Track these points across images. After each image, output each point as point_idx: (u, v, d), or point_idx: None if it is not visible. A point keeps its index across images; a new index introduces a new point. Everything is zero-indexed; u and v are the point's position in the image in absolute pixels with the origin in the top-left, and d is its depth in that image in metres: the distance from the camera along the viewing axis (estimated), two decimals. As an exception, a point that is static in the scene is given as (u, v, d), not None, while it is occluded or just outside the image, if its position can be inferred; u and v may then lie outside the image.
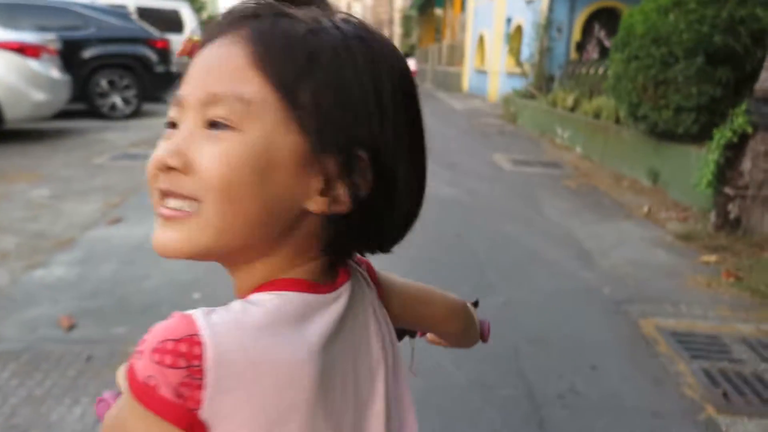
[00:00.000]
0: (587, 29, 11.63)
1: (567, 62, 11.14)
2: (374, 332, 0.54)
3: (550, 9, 11.35)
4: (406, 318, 0.67)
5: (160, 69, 9.24)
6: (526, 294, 2.90)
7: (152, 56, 9.03)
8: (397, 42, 68.83)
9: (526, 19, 12.64)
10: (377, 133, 0.46)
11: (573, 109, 8.57)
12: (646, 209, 4.72)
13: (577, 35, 11.57)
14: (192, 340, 0.39)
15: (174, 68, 9.64)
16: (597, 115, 7.35)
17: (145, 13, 11.46)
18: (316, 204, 0.46)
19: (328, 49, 0.45)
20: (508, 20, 15.34)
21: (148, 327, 0.41)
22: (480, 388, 2.01)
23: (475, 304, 0.88)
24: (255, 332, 0.42)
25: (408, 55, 29.08)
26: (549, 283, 3.05)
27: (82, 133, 7.41)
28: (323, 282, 0.49)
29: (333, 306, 0.48)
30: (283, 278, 0.47)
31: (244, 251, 0.47)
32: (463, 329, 0.75)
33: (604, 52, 10.87)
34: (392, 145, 0.48)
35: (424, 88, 23.52)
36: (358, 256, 0.58)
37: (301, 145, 0.45)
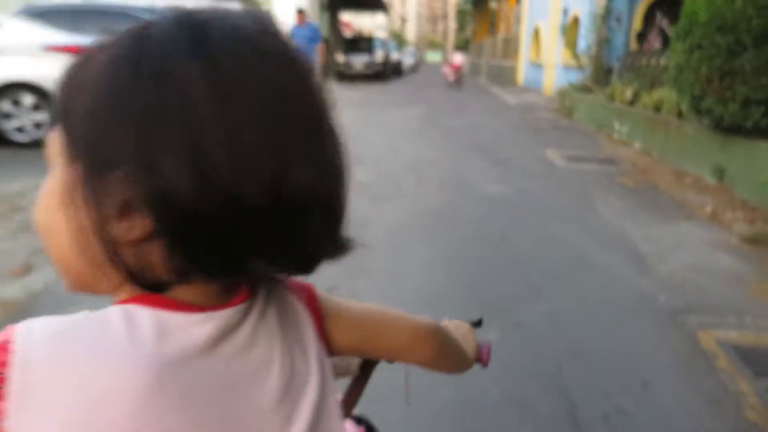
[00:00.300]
0: (649, 18, 11.07)
1: (626, 53, 10.65)
2: (278, 366, 0.46)
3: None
4: (364, 348, 0.61)
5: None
6: (572, 302, 2.74)
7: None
8: (451, 37, 68.24)
9: (584, 10, 12.17)
10: (174, 149, 0.37)
11: (632, 102, 8.17)
12: (709, 209, 4.41)
13: (637, 25, 11.04)
14: (4, 347, 0.37)
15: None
16: (657, 109, 6.97)
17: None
18: (117, 230, 0.39)
19: (101, 65, 0.40)
20: (565, 11, 14.83)
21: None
22: (517, 405, 1.89)
23: (477, 323, 0.80)
24: (76, 343, 0.38)
25: (460, 48, 28.73)
26: (598, 290, 2.87)
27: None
28: (204, 302, 0.43)
29: (196, 328, 0.42)
30: (141, 295, 0.42)
31: (92, 283, 0.44)
32: (434, 356, 0.66)
33: (666, 42, 10.34)
34: (219, 163, 0.38)
35: (479, 83, 23.15)
36: (299, 281, 0.53)
37: (78, 171, 0.40)
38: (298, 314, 0.51)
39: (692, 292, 2.87)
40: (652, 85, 8.33)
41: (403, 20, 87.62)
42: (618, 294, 2.84)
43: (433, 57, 78.50)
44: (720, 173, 5.05)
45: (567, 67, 14.06)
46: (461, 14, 47.85)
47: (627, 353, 2.28)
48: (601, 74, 10.84)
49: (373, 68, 20.46)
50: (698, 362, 2.23)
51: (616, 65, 10.20)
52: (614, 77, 9.91)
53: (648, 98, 7.34)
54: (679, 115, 6.34)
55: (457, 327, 0.76)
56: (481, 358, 0.75)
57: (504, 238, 3.63)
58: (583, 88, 10.86)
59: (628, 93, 8.23)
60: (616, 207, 4.42)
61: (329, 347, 0.55)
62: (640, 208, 4.41)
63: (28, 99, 6.18)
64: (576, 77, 12.04)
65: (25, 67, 6.08)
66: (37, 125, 6.25)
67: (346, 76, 20.73)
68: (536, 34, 18.24)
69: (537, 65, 17.87)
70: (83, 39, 6.49)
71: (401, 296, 2.75)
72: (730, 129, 4.82)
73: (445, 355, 0.68)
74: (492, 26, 31.74)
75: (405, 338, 0.63)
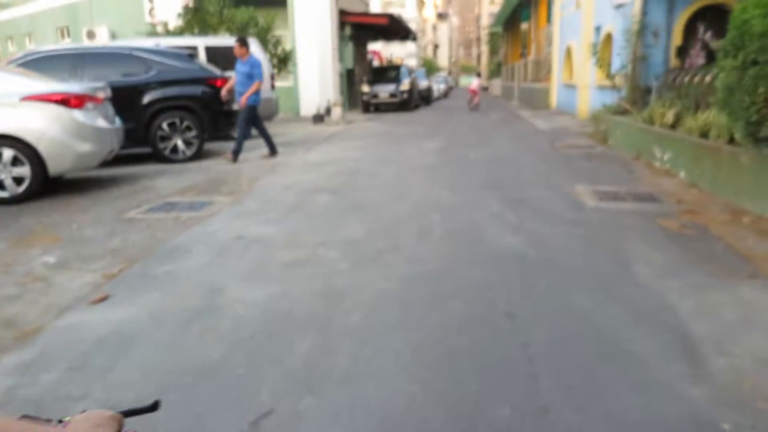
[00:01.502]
0: (689, 32, 10.15)
1: (666, 71, 9.73)
2: None
3: (644, 12, 10.02)
4: None
5: (221, 108, 9.01)
6: (597, 430, 1.95)
7: (212, 96, 8.81)
8: (484, 60, 67.64)
9: (617, 26, 11.33)
10: None
11: (674, 126, 7.26)
12: (778, 262, 3.53)
13: (677, 39, 10.12)
14: None
15: (235, 106, 9.40)
16: (704, 134, 6.07)
17: (214, 52, 11.46)
18: None
19: None
20: (597, 28, 13.99)
21: None
22: None
23: (152, 407, 0.81)
24: None
25: (479, 74, 28.19)
26: (633, 408, 2.06)
27: (135, 180, 7.20)
28: None
29: None
30: None
31: None
32: None
33: (711, 58, 9.37)
34: None
35: (510, 107, 22.34)
36: None
37: None
38: None
39: (769, 407, 2.03)
40: (697, 106, 7.41)
41: (436, 46, 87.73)
42: (660, 414, 2.03)
43: (467, 81, 78.11)
44: (787, 213, 4.14)
45: (601, 88, 13.16)
46: (492, 37, 47.29)
47: None
48: (638, 94, 9.94)
49: (399, 98, 19.95)
50: None
51: (654, 84, 9.29)
52: (653, 98, 9.00)
53: (693, 122, 6.44)
54: (731, 140, 5.43)
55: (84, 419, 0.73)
56: None
57: (511, 317, 2.85)
58: (619, 110, 9.96)
59: (670, 116, 7.33)
60: (657, 263, 3.57)
61: None
62: (688, 264, 3.55)
63: (6, 153, 5.79)
64: (611, 98, 11.14)
65: (2, 119, 5.70)
66: (17, 180, 5.86)
67: (372, 106, 20.29)
68: (568, 54, 17.39)
69: (570, 87, 16.98)
70: (64, 86, 6.12)
71: (356, 424, 2.01)
72: (798, 160, 3.94)
73: None
74: (524, 48, 30.99)
75: None
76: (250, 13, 14.24)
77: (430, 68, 59.34)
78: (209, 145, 9.81)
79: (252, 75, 8.47)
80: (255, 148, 10.02)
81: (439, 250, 3.93)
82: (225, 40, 12.12)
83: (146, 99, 8.45)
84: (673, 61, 10.14)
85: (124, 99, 8.30)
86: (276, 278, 3.48)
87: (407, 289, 3.24)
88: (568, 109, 17.18)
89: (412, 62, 56.84)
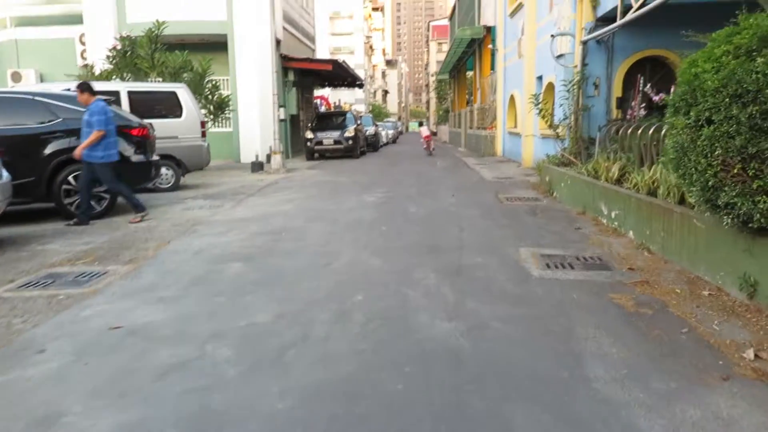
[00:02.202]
0: (629, 83, 10.09)
1: (608, 122, 9.57)
2: None
3: (584, 62, 9.90)
4: None
5: (137, 158, 8.18)
6: None
7: (127, 146, 7.99)
8: (432, 106, 69.57)
9: (558, 76, 11.23)
10: None
11: (620, 181, 6.92)
12: (751, 353, 3.00)
13: (618, 90, 10.03)
14: None
15: (155, 157, 8.59)
16: (653, 192, 5.69)
17: (140, 97, 10.68)
18: None
19: None
20: (539, 78, 13.99)
21: None
22: None
23: None
24: None
25: (421, 123, 28.68)
26: None
27: (25, 243, 6.25)
28: None
29: None
30: None
31: None
32: None
33: (651, 108, 9.26)
34: None
35: (457, 154, 22.22)
36: None
37: None
38: None
39: None
40: (642, 160, 7.12)
41: (385, 92, 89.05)
42: None
43: (416, 126, 79.22)
44: (751, 287, 3.67)
45: (545, 137, 13.01)
46: (440, 84, 48.14)
47: None
48: (582, 145, 9.71)
49: (344, 144, 19.49)
50: None
51: (597, 135, 9.07)
52: (597, 150, 8.75)
53: (639, 178, 6.08)
54: (682, 201, 5.03)
55: None
56: None
57: (434, 456, 2.16)
58: (563, 162, 9.69)
59: (615, 170, 7.00)
60: (614, 359, 2.98)
61: None
62: (651, 360, 2.97)
63: None
64: (555, 148, 10.92)
65: None
66: None
67: (317, 153, 19.72)
68: (512, 102, 17.43)
69: (515, 135, 16.93)
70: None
71: None
72: (762, 230, 3.48)
73: None
74: (469, 96, 31.41)
75: None
76: (183, 56, 13.56)
77: (379, 114, 59.83)
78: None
79: (91, 123, 7.15)
80: (176, 202, 9.18)
81: (357, 345, 3.23)
82: (150, 85, 11.37)
83: (49, 149, 7.55)
84: (615, 112, 10.02)
85: (21, 149, 7.40)
86: (140, 395, 2.69)
87: (306, 412, 2.51)
88: (514, 156, 17.09)
89: (361, 108, 57.20)
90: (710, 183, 3.55)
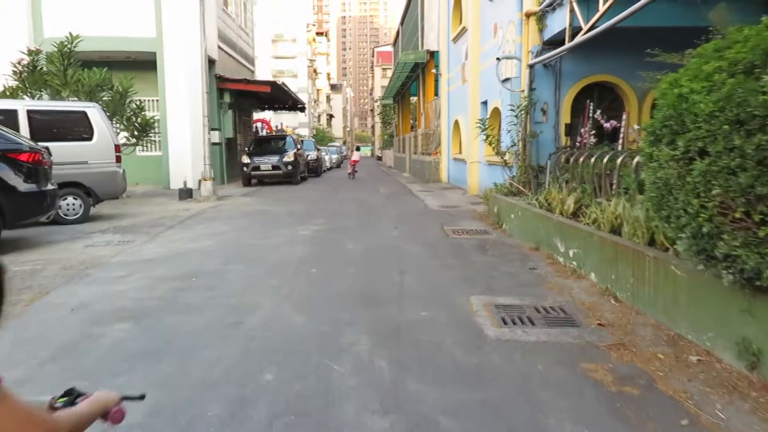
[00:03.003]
0: (577, 108, 9.68)
1: (558, 150, 9.07)
2: None
3: (531, 87, 9.42)
4: None
5: (27, 188, 6.99)
6: None
7: (13, 173, 6.79)
8: (378, 130, 69.42)
9: (504, 101, 10.74)
10: None
11: (576, 214, 6.31)
12: (775, 457, 2.27)
13: (566, 116, 9.59)
14: None
15: (49, 186, 7.40)
16: (616, 230, 5.06)
17: (43, 117, 9.43)
18: None
19: None
20: (484, 103, 13.55)
21: None
22: None
23: (141, 397, 1.29)
24: None
25: (358, 148, 28.57)
26: None
27: None
28: None
29: None
30: None
31: None
32: None
33: (602, 136, 8.82)
34: None
35: (401, 180, 21.61)
36: None
37: None
38: None
39: None
40: (596, 192, 6.56)
41: (330, 116, 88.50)
42: None
43: (363, 151, 78.81)
44: (753, 357, 2.99)
45: (491, 164, 12.50)
46: (384, 109, 47.93)
47: None
48: (531, 174, 9.16)
49: (283, 170, 18.49)
50: None
51: (548, 164, 8.54)
52: (547, 179, 8.19)
53: (599, 213, 5.46)
54: (652, 242, 4.40)
55: (92, 401, 1.14)
56: (108, 418, 1.16)
57: None
58: (512, 191, 9.10)
59: (570, 203, 6.39)
60: (605, 475, 2.19)
61: None
62: (653, 475, 2.19)
63: None
64: (502, 175, 10.37)
65: None
66: None
67: (254, 179, 18.63)
68: (456, 128, 16.99)
69: (460, 161, 16.45)
70: None
71: None
72: (763, 287, 2.81)
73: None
74: (413, 121, 31.11)
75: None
76: (101, 74, 12.32)
77: (323, 138, 59.00)
78: (9, 234, 7.65)
79: None
80: (80, 237, 7.96)
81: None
82: (56, 104, 10.13)
83: None
84: (564, 139, 9.56)
85: None
86: None
87: None
88: (459, 183, 16.58)
89: (304, 132, 56.26)
90: (704, 229, 2.87)
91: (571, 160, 7.88)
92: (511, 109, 9.27)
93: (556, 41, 9.18)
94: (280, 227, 8.94)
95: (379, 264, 6.12)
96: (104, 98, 12.57)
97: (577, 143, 9.03)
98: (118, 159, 10.00)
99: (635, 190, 5.21)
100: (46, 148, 7.57)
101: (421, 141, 22.82)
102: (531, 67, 9.36)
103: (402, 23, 35.21)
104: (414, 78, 26.38)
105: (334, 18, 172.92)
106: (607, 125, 8.16)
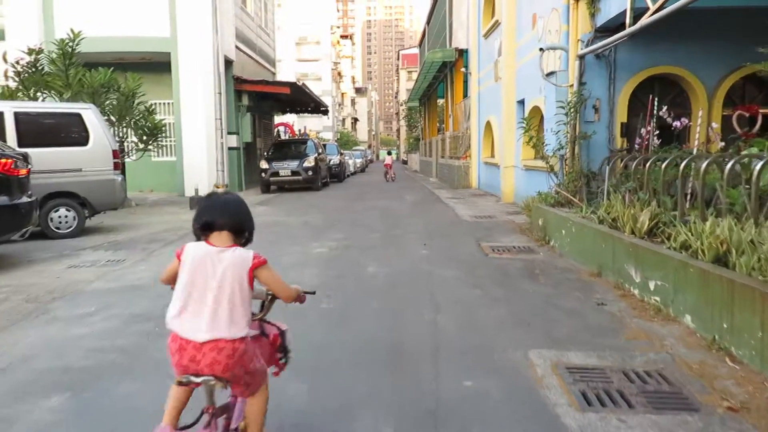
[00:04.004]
0: (634, 105, 8.38)
1: (615, 153, 7.80)
2: (228, 263, 1.90)
3: (581, 81, 8.16)
4: (267, 287, 2.06)
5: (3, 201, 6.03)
6: None
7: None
8: (403, 134, 68.71)
9: (547, 98, 9.49)
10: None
11: (652, 233, 5.07)
12: None
13: (622, 115, 8.30)
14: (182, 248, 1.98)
15: (24, 198, 6.43)
16: (722, 259, 3.82)
17: (32, 119, 8.52)
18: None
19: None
20: (521, 102, 12.30)
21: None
22: None
23: (312, 292, 2.25)
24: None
25: (389, 153, 28.20)
26: None
27: None
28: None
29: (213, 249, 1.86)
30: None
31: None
32: (283, 298, 2.07)
33: (667, 137, 7.52)
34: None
35: (428, 185, 20.42)
36: (255, 253, 1.94)
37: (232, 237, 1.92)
38: (245, 260, 1.92)
39: None
40: (676, 208, 5.28)
41: (355, 120, 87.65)
42: None
43: (386, 155, 77.81)
44: None
45: (529, 169, 11.24)
46: (410, 112, 46.75)
47: None
48: (582, 182, 7.90)
49: (303, 175, 17.46)
50: None
51: (605, 170, 7.27)
52: (606, 188, 6.92)
53: (690, 236, 4.21)
54: (790, 281, 3.14)
55: (294, 286, 2.10)
56: (299, 300, 2.11)
57: None
58: (559, 201, 7.85)
59: (644, 219, 5.13)
60: None
61: (253, 279, 1.95)
62: None
63: None
64: (541, 181, 9.13)
65: None
66: None
67: (273, 185, 17.65)
68: (488, 129, 15.74)
69: (492, 165, 15.19)
70: None
71: None
72: None
73: (286, 298, 2.06)
74: (440, 123, 29.88)
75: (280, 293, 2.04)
76: (105, 73, 11.43)
77: (348, 142, 58.11)
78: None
79: None
80: (67, 254, 6.94)
81: None
82: (47, 105, 9.24)
83: None
84: (619, 141, 8.28)
85: None
86: None
87: None
88: (491, 189, 15.32)
89: (328, 135, 55.45)
90: None
91: (635, 165, 6.61)
92: (561, 107, 8.01)
93: (611, 28, 7.91)
94: (293, 243, 7.84)
95: (407, 296, 4.96)
96: (109, 100, 11.69)
97: (636, 145, 7.74)
98: (117, 166, 9.04)
99: (756, 205, 3.95)
100: (24, 154, 6.62)
101: (449, 144, 21.59)
102: (581, 58, 8.10)
103: (428, 23, 34.05)
104: (441, 78, 25.18)
105: (360, 22, 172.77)
106: (677, 123, 6.87)
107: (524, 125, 8.52)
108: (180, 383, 1.90)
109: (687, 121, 6.92)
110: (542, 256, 6.67)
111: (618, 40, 7.08)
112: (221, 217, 1.94)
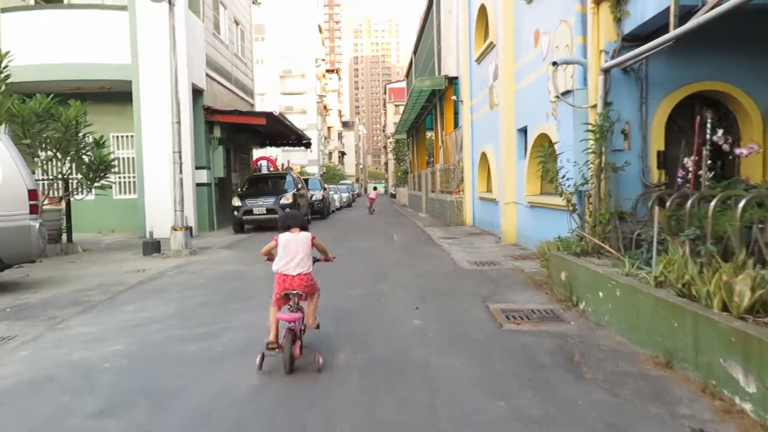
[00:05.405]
0: (671, 129, 6.84)
1: (649, 188, 6.20)
2: (301, 238, 4.24)
3: (606, 101, 6.62)
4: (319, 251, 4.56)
5: None
6: None
7: None
8: (391, 167, 67.58)
9: (562, 123, 7.95)
10: None
11: (755, 310, 3.42)
12: None
13: (658, 141, 6.74)
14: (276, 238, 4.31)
15: None
16: None
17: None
18: None
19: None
20: (522, 130, 10.79)
21: None
22: None
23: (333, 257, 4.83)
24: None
25: (375, 188, 27.13)
26: None
27: None
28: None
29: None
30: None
31: None
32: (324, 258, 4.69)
33: (721, 169, 5.95)
34: None
35: (418, 222, 18.75)
36: (312, 234, 4.36)
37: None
38: (308, 237, 4.26)
39: None
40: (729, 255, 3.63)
41: (342, 153, 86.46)
42: None
43: (378, 188, 76.50)
44: None
45: (534, 206, 9.65)
46: (398, 145, 45.50)
47: None
48: (614, 223, 6.27)
49: (279, 214, 15.70)
50: None
51: (640, 207, 5.64)
52: (654, 232, 5.26)
53: None
54: None
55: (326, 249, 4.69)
56: (330, 260, 4.77)
57: None
58: (585, 250, 6.20)
59: (742, 290, 3.46)
60: None
61: (312, 246, 4.32)
62: None
63: None
64: (553, 221, 7.50)
65: None
66: None
67: (246, 224, 15.91)
68: (483, 160, 14.22)
69: (489, 201, 13.61)
70: None
71: None
72: None
73: (325, 257, 4.68)
74: (429, 156, 28.47)
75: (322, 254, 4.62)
76: (40, 101, 9.76)
77: (334, 175, 56.62)
78: None
79: None
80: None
81: None
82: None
83: None
84: (656, 174, 6.69)
85: None
86: None
87: None
88: (489, 227, 13.70)
89: (313, 170, 53.96)
90: None
91: (688, 204, 5.01)
92: (591, 130, 6.38)
93: (641, 36, 6.43)
94: (244, 309, 6.08)
95: (396, 413, 3.22)
96: (47, 132, 10.00)
97: (679, 179, 6.16)
98: (34, 209, 7.29)
99: None
100: None
101: (440, 177, 20.05)
102: (605, 72, 6.57)
103: (415, 52, 33.00)
104: (430, 109, 23.86)
105: (347, 58, 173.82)
106: (742, 151, 5.30)
107: (544, 157, 6.85)
108: (286, 296, 4.18)
109: (756, 147, 5.36)
110: (574, 326, 4.99)
111: (660, 46, 5.55)
112: (294, 222, 4.25)
